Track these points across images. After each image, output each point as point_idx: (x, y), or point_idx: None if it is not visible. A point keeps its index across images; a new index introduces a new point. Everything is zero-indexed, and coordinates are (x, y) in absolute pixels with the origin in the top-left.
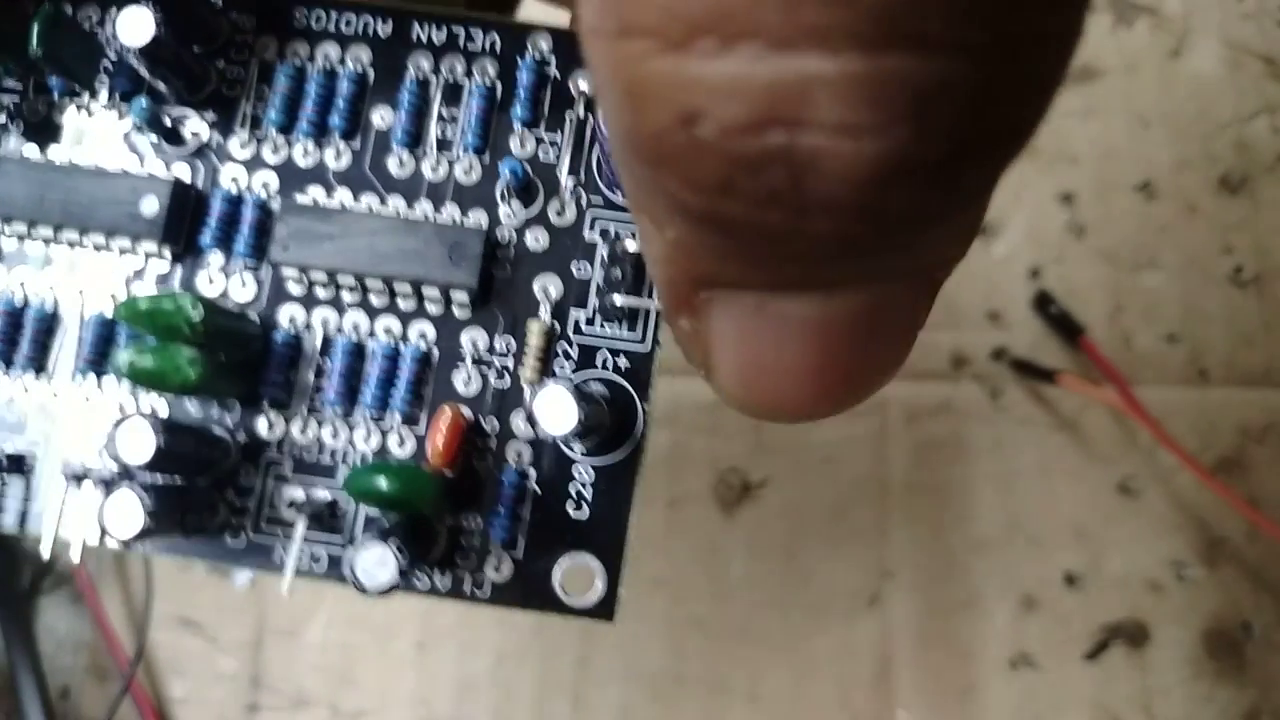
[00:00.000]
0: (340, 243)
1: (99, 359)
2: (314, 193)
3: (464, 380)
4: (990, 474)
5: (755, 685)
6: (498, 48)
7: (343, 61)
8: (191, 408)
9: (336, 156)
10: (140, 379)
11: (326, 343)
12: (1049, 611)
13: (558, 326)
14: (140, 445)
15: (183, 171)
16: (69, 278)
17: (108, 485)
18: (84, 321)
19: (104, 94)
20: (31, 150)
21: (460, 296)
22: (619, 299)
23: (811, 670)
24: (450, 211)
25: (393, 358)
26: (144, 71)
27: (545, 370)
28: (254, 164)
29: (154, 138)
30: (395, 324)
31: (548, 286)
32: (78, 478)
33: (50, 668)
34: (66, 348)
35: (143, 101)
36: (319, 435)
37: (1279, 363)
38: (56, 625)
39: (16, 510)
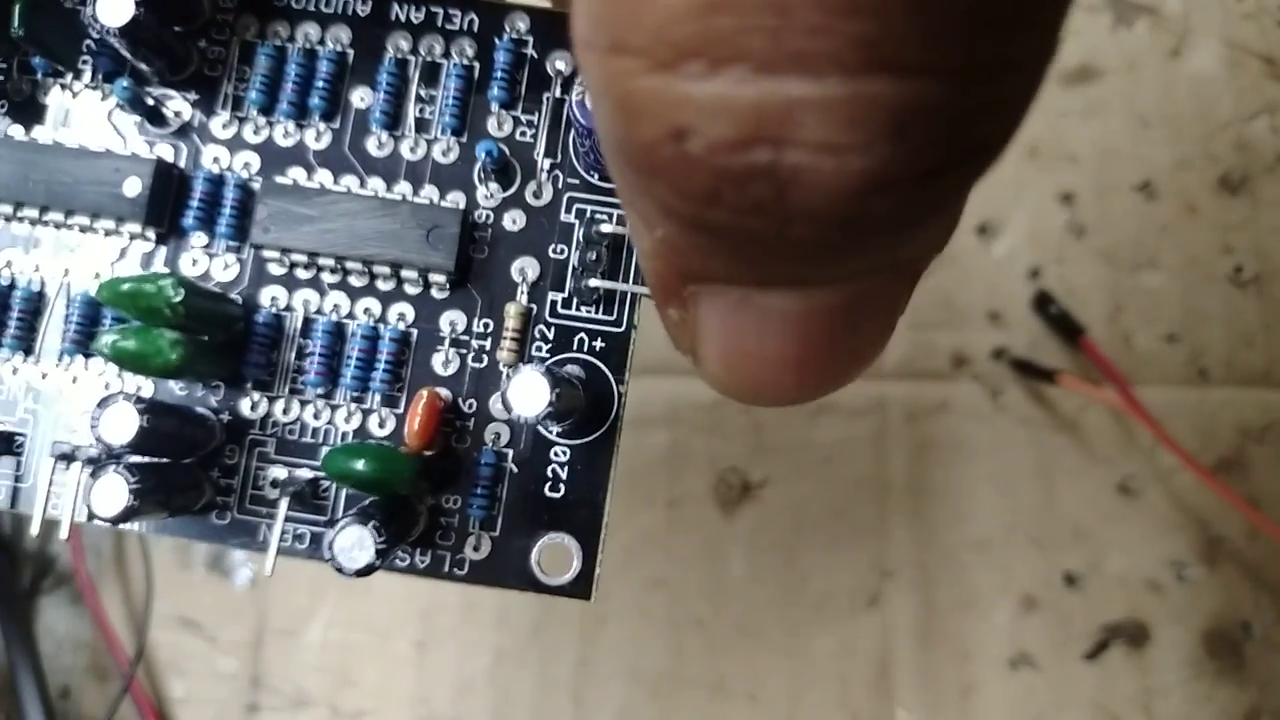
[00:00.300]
0: (319, 224)
1: (85, 340)
2: (294, 174)
3: (442, 361)
4: (990, 474)
5: (755, 685)
6: (475, 27)
7: (322, 41)
8: (177, 388)
9: (317, 137)
10: (122, 360)
11: (307, 324)
12: (1049, 611)
13: (535, 309)
14: (123, 426)
15: (166, 152)
16: (55, 259)
17: (95, 465)
18: (70, 302)
19: (87, 74)
20: (16, 131)
21: (438, 278)
22: (594, 282)
23: (811, 670)
24: (429, 193)
25: (372, 339)
26: (125, 52)
27: (522, 352)
28: (235, 144)
29: (136, 118)
30: (375, 305)
31: (525, 268)
32: (65, 457)
33: (50, 668)
34: (53, 328)
35: (124, 82)
36: (301, 416)
37: (1279, 363)
38: (56, 625)
39: (8, 489)
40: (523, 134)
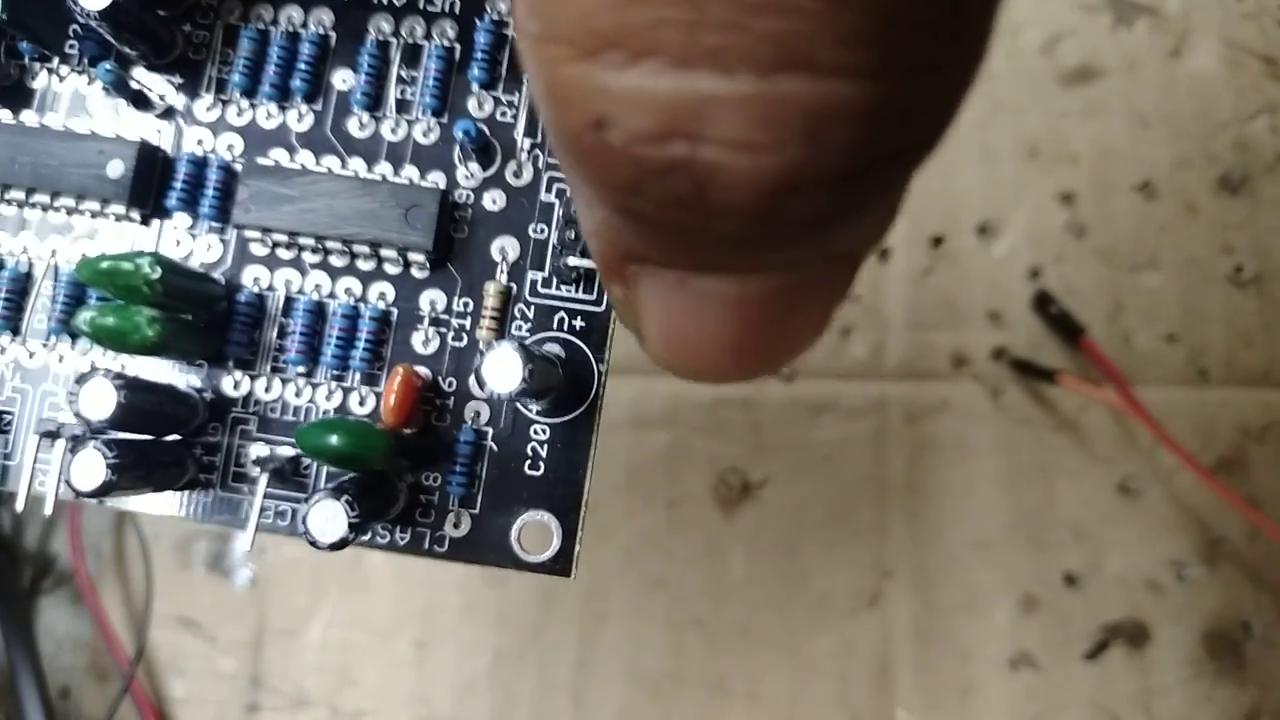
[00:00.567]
0: (300, 204)
1: (71, 320)
2: (277, 155)
3: (422, 340)
4: (990, 474)
5: (755, 685)
6: (456, 8)
7: (305, 24)
8: (162, 366)
9: (299, 119)
10: (100, 337)
11: (289, 303)
12: (1049, 611)
13: (515, 288)
14: (101, 402)
15: (150, 134)
16: (42, 240)
17: (77, 441)
18: (57, 283)
19: (73, 58)
20: (4, 114)
21: (418, 258)
22: (574, 260)
23: (811, 670)
24: (409, 173)
25: (353, 317)
26: (109, 36)
27: (501, 331)
28: (219, 127)
29: (121, 101)
30: (356, 285)
31: (505, 248)
32: (50, 435)
33: (50, 668)
34: (40, 308)
35: (107, 65)
36: (283, 394)
37: (1279, 363)
38: (56, 625)
39: None
40: (503, 114)
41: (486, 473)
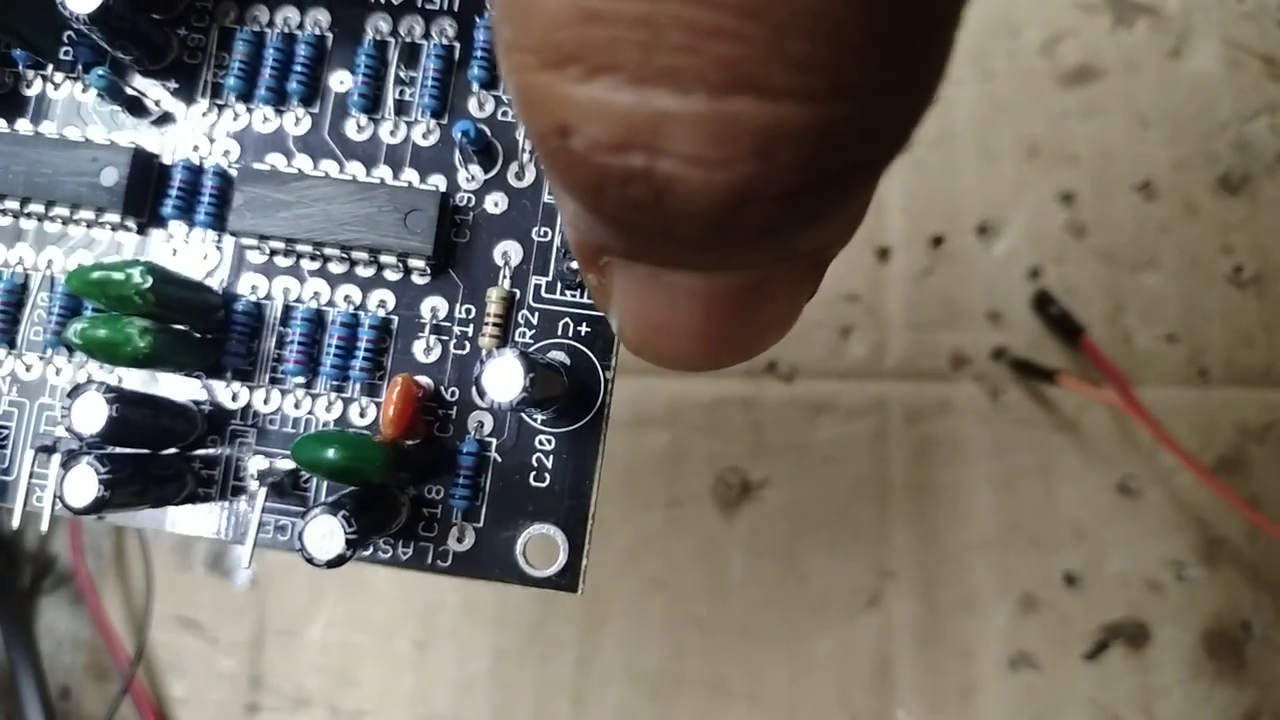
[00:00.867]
0: (296, 210)
1: (63, 331)
2: (273, 160)
3: (424, 349)
4: (990, 474)
5: (755, 685)
6: (455, 6)
7: (301, 25)
8: (159, 378)
9: (296, 122)
10: (92, 349)
11: (287, 311)
12: (1049, 611)
13: (518, 293)
14: (93, 416)
15: (146, 141)
16: (39, 250)
17: (73, 456)
18: (53, 294)
19: (67, 65)
20: None
21: (418, 263)
22: (575, 263)
23: (811, 670)
24: (408, 176)
25: (352, 326)
26: (101, 41)
27: (505, 339)
28: (215, 132)
29: (116, 107)
30: (355, 292)
31: (508, 252)
32: (47, 450)
33: (50, 668)
34: (36, 320)
35: (100, 71)
36: (281, 406)
37: (1279, 363)
38: (56, 625)
39: None
40: (504, 114)
41: (490, 485)
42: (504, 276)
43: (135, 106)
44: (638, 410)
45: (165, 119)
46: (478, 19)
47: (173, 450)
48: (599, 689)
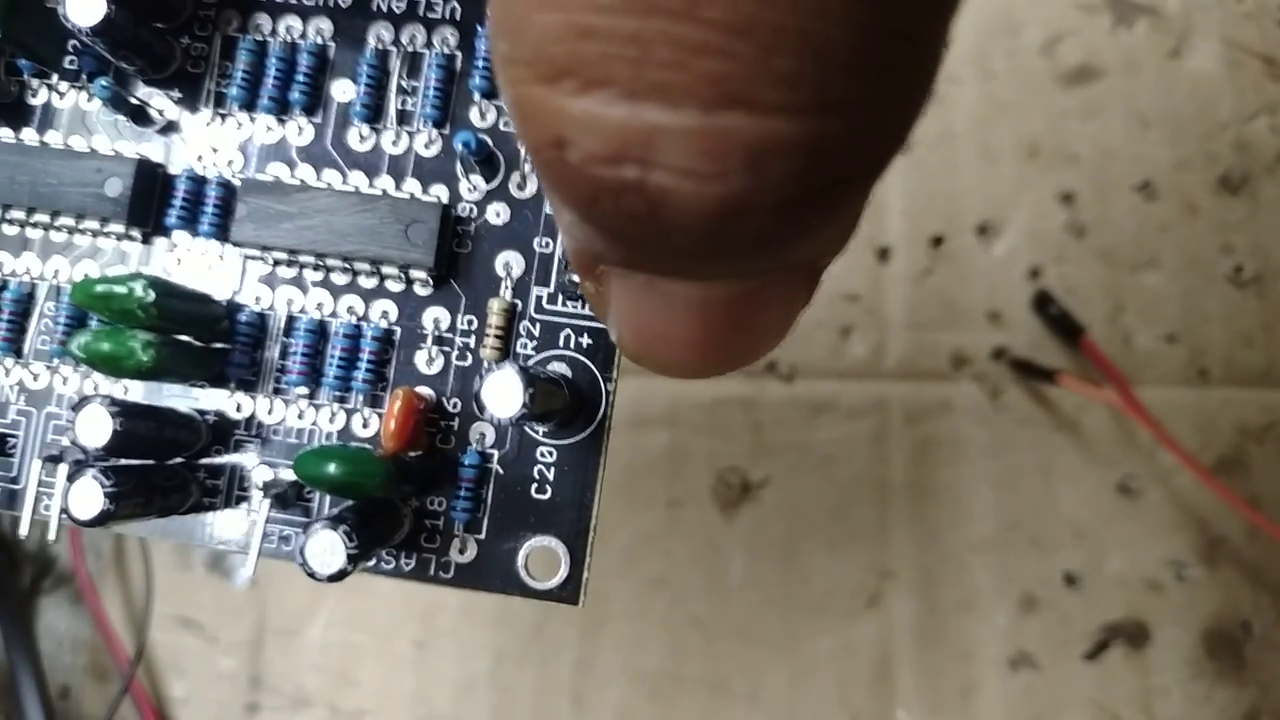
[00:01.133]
0: (298, 221)
1: (66, 344)
2: (276, 170)
3: (426, 360)
4: (990, 474)
5: (755, 685)
6: (457, 14)
7: (304, 34)
8: (164, 389)
9: (299, 132)
10: (95, 362)
11: (290, 322)
12: (1049, 611)
13: (519, 305)
14: (97, 429)
15: (150, 151)
16: (45, 260)
17: (79, 467)
18: (59, 304)
19: (72, 74)
20: (4, 132)
21: (420, 274)
22: (578, 276)
23: (811, 670)
24: (411, 187)
25: (355, 337)
26: (105, 52)
27: (506, 350)
28: (218, 142)
29: (121, 117)
30: (358, 303)
31: (510, 262)
32: (53, 459)
33: (50, 668)
34: (43, 329)
35: (103, 81)
36: (285, 417)
37: (1279, 363)
38: (56, 625)
39: (2, 490)
40: (506, 124)
41: (492, 497)
42: (506, 287)
43: (139, 116)
44: (638, 410)
45: (169, 128)
46: (479, 28)
47: (178, 460)
48: (599, 689)
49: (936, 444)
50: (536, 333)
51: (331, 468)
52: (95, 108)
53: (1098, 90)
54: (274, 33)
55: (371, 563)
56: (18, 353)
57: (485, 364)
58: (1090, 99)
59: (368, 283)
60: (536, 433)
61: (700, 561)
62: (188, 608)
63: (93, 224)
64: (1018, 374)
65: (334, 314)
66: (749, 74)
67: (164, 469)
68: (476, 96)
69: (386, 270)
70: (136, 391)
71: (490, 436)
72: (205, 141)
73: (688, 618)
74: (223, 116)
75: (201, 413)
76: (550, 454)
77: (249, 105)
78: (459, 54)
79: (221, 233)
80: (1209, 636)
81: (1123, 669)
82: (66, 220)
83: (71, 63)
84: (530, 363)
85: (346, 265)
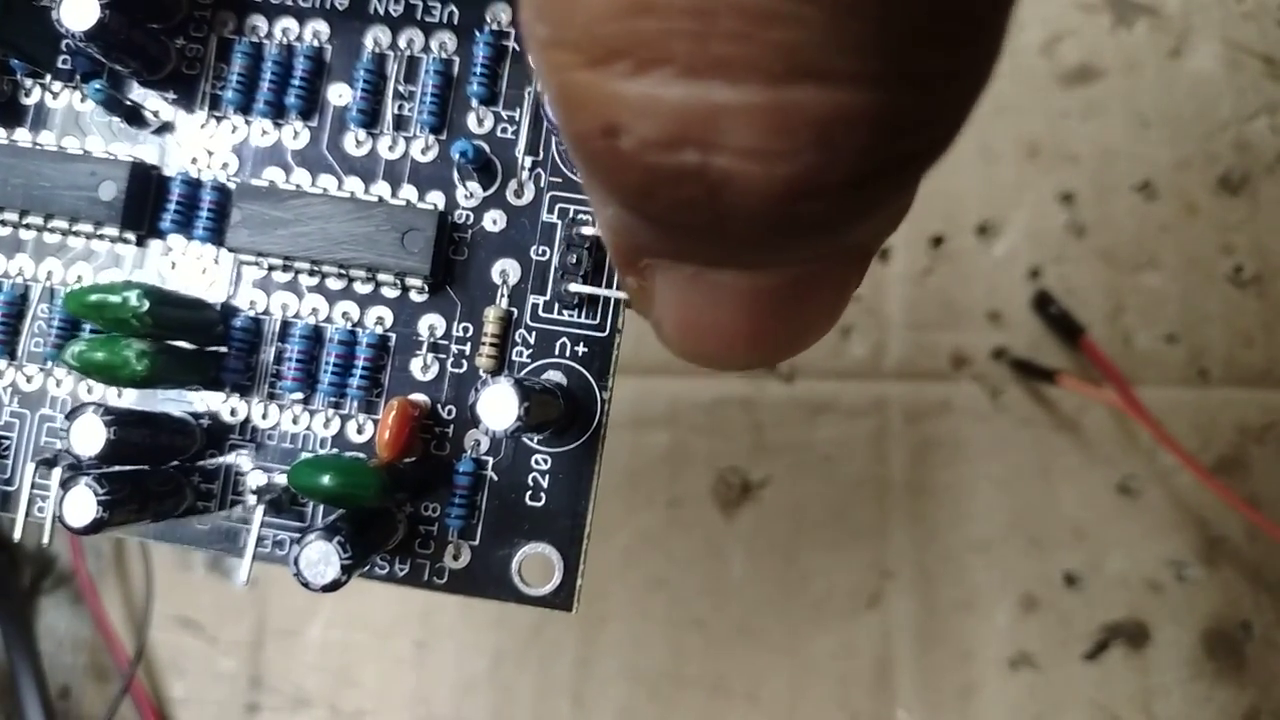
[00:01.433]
0: (294, 228)
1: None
2: (272, 174)
3: (421, 367)
4: (990, 474)
5: (755, 685)
6: (456, 20)
7: (300, 37)
8: (159, 393)
9: (294, 136)
10: (89, 372)
11: (285, 327)
12: (1049, 611)
13: (515, 313)
14: (91, 437)
15: (145, 153)
16: (39, 261)
17: (73, 471)
18: (53, 306)
19: (65, 75)
20: None
21: (415, 281)
22: (574, 286)
23: (811, 670)
24: (407, 193)
25: (349, 343)
26: (98, 54)
27: (502, 358)
28: (213, 145)
29: (116, 119)
30: (353, 308)
31: (506, 270)
32: (47, 463)
33: (50, 668)
34: (37, 332)
35: (97, 84)
36: (280, 422)
37: (1279, 363)
38: (56, 625)
39: None
40: (504, 130)
41: (486, 504)
42: (502, 295)
43: (134, 117)
44: (638, 410)
45: (164, 130)
46: (476, 33)
47: (172, 464)
48: (599, 689)
49: (936, 444)
50: (532, 341)
51: (326, 479)
52: (89, 108)
53: (1098, 90)
54: (270, 35)
55: (365, 568)
56: (12, 355)
57: (481, 375)
58: (1090, 99)
59: (363, 289)
60: (531, 440)
61: (700, 561)
62: (188, 608)
63: (86, 227)
64: (1018, 374)
65: (329, 320)
66: (820, 42)
67: (158, 473)
68: (474, 102)
69: (382, 277)
70: (130, 395)
71: (485, 444)
72: (200, 144)
73: (688, 618)
74: (218, 119)
75: (196, 416)
76: (545, 461)
77: (244, 108)
78: (456, 59)
79: (216, 237)
80: (1209, 636)
81: (1123, 669)
82: (60, 223)
83: (65, 63)
84: (525, 371)
85: (342, 272)
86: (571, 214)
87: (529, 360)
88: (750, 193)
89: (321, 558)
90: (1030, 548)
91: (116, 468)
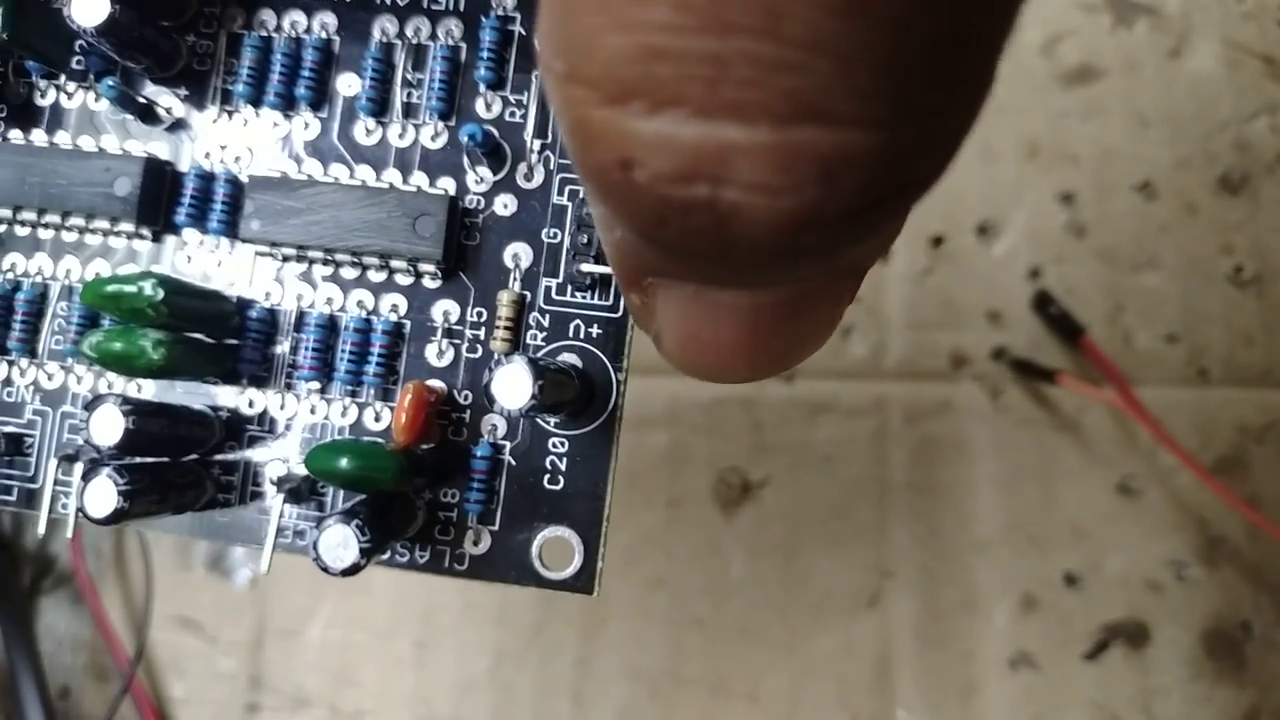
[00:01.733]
0: (306, 217)
1: (79, 343)
2: (284, 165)
3: (436, 352)
4: (990, 474)
5: (755, 685)
6: (461, 6)
7: (308, 29)
8: (176, 386)
9: (305, 127)
10: (107, 362)
11: (301, 317)
12: (1049, 611)
13: (529, 296)
14: (110, 428)
15: (158, 149)
16: (57, 260)
17: (94, 466)
18: (72, 303)
19: (79, 74)
20: (14, 134)
21: (429, 267)
22: (586, 266)
23: (811, 670)
24: (417, 179)
25: (365, 331)
26: (111, 52)
27: (516, 341)
28: (226, 138)
29: (129, 116)
30: (368, 297)
31: (518, 254)
32: (69, 458)
33: (50, 668)
34: (57, 329)
35: (110, 81)
36: (297, 411)
37: (1279, 363)
38: (56, 625)
39: (20, 490)
40: (512, 114)
41: (505, 488)
42: (514, 279)
43: (147, 114)
44: (638, 410)
45: (177, 126)
46: (483, 18)
47: (192, 457)
48: (599, 689)
49: (936, 444)
50: (546, 324)
51: (343, 462)
52: (103, 107)
53: (1098, 90)
54: (279, 28)
55: (385, 556)
56: (32, 353)
57: (495, 356)
58: (1090, 99)
59: (377, 277)
60: (548, 424)
61: (700, 561)
62: (188, 608)
63: (103, 224)
64: (1018, 374)
65: (344, 309)
66: (826, 88)
67: (178, 466)
68: (482, 88)
69: (395, 264)
70: (149, 389)
71: (502, 428)
72: (213, 139)
73: (688, 618)
74: (230, 113)
75: (214, 409)
76: (562, 444)
77: (255, 101)
78: (464, 45)
79: (230, 229)
80: (1209, 636)
81: (1123, 669)
82: (77, 220)
83: (78, 63)
84: (540, 354)
85: (355, 260)
86: (581, 195)
87: (543, 343)
88: (756, 223)
89: (340, 541)
90: (1030, 548)
91: (137, 459)
